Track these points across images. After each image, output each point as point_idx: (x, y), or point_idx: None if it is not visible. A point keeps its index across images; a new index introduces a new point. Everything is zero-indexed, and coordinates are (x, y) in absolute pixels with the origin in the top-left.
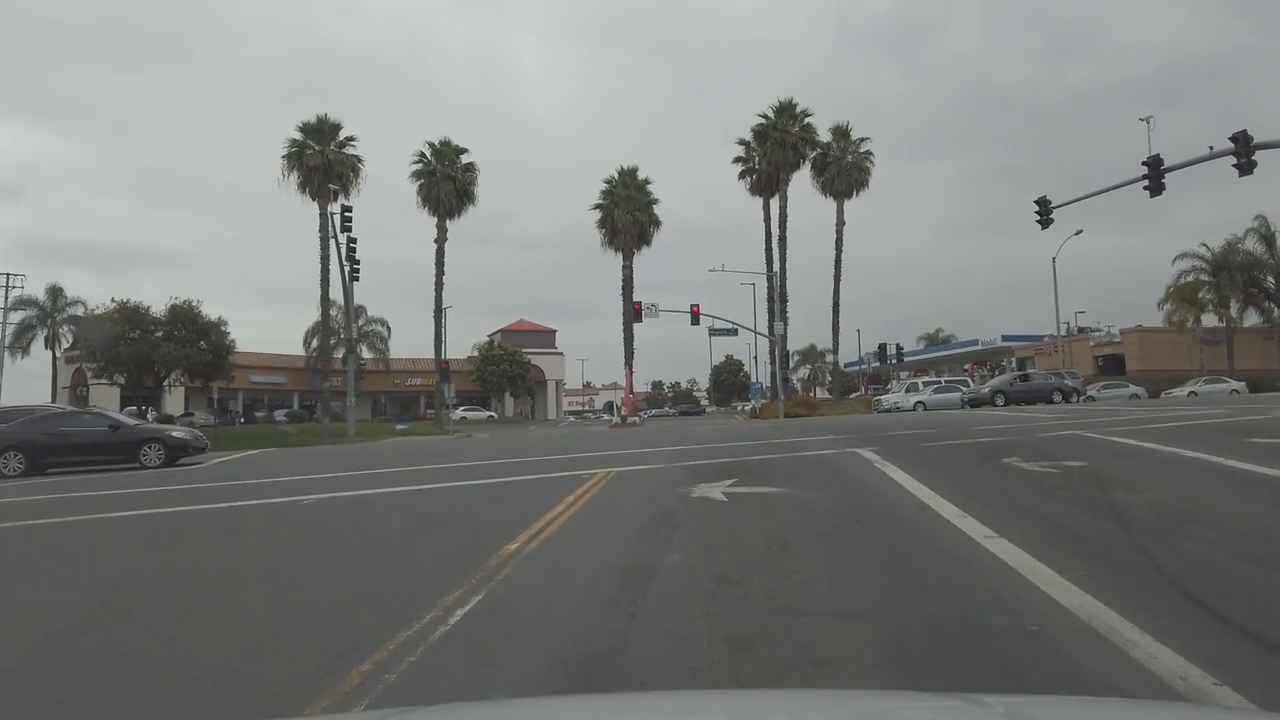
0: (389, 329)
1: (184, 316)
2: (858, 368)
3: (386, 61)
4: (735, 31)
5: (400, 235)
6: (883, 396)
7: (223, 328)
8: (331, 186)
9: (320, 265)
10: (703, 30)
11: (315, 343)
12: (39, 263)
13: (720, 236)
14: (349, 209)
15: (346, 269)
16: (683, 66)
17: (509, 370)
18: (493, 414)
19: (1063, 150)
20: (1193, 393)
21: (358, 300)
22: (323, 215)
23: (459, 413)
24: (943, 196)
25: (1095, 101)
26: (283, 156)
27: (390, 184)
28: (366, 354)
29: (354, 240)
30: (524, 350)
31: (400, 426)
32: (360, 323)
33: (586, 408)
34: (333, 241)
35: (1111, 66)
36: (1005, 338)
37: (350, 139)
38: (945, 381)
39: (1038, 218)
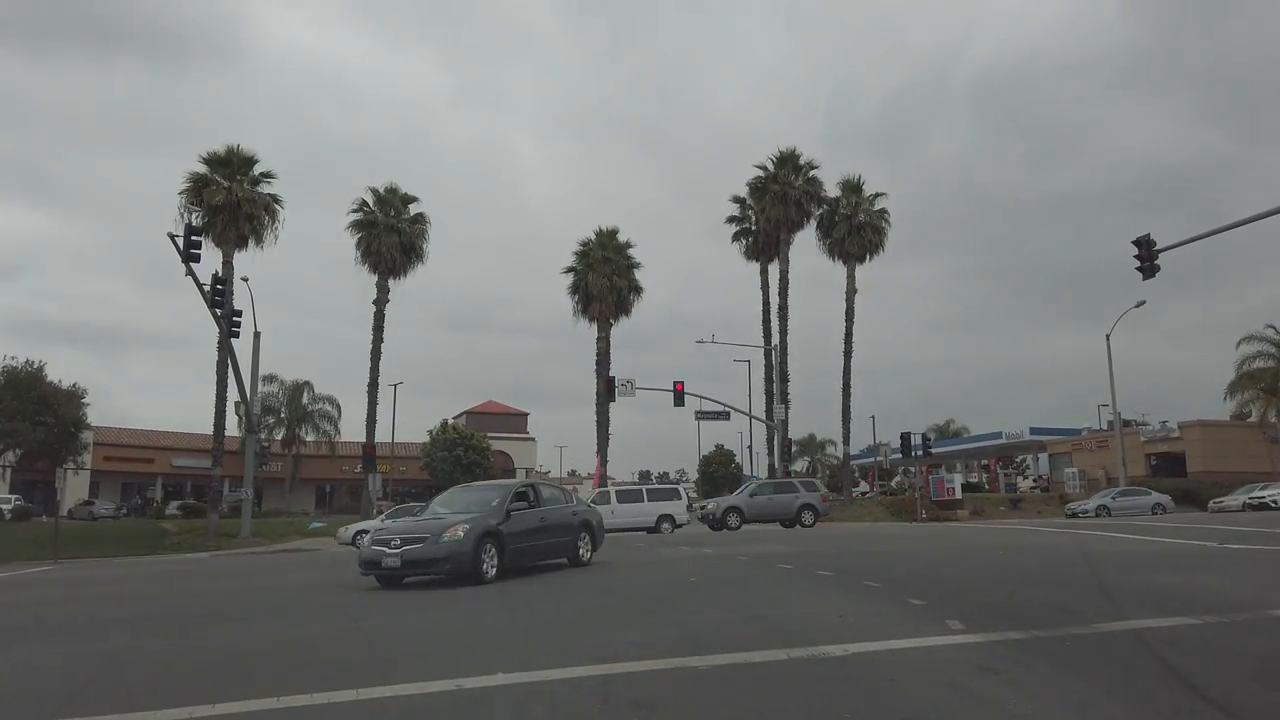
0: (339, 409)
1: (21, 384)
2: (869, 460)
3: (387, 150)
4: (727, 130)
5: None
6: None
7: (80, 399)
8: (241, 231)
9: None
10: (696, 128)
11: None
12: (31, 342)
13: (713, 328)
14: (193, 233)
15: (224, 325)
16: (677, 163)
17: (463, 457)
18: None
19: (1047, 250)
20: (1246, 503)
21: (303, 375)
22: (227, 264)
23: None
24: (930, 293)
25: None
26: (179, 193)
27: None
28: (309, 436)
29: (221, 283)
30: (490, 435)
31: (315, 524)
32: (305, 400)
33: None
34: (248, 297)
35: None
36: (1034, 430)
37: (267, 175)
38: (553, 491)
39: (1138, 265)
